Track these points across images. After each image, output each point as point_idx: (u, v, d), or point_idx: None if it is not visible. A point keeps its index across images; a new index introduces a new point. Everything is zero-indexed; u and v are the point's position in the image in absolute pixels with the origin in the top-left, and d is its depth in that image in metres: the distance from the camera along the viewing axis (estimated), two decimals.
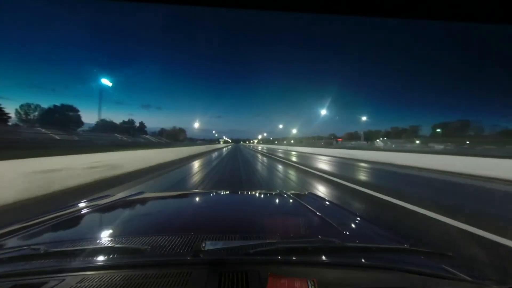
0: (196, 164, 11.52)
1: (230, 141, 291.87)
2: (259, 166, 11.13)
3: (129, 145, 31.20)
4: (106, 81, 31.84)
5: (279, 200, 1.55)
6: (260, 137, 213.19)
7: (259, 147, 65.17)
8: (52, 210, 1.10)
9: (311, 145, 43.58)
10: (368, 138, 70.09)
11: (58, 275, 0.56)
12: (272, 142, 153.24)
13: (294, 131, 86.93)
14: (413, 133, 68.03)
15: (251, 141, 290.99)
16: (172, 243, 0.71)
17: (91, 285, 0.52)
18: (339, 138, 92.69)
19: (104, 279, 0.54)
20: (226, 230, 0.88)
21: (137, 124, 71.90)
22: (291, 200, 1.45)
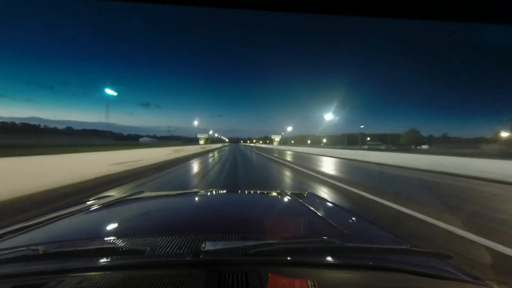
0: None
1: (227, 140, 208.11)
2: None
3: None
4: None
5: (279, 200, 1.54)
6: (289, 129, 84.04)
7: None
8: (52, 210, 1.09)
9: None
10: None
11: (58, 275, 0.55)
12: (288, 143, 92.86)
13: None
14: None
15: (271, 141, 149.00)
16: (172, 243, 0.71)
17: (91, 286, 0.52)
18: None
19: (103, 280, 0.54)
20: (226, 230, 0.88)
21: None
22: (291, 200, 1.44)
